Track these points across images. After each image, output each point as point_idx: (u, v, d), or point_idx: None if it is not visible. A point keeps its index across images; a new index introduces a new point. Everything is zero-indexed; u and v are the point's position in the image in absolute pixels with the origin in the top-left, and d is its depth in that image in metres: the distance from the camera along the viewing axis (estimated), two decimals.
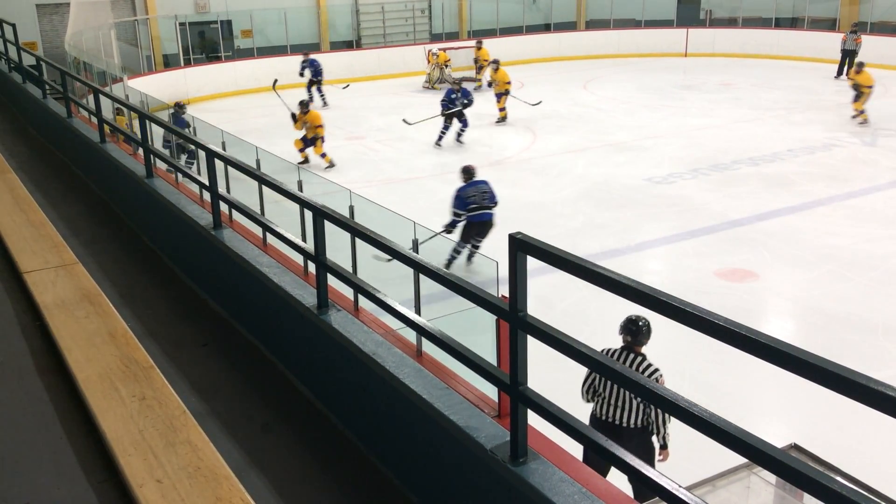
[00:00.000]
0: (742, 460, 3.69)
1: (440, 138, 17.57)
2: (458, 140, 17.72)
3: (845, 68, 23.61)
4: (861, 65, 18.65)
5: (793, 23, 29.24)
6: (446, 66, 25.19)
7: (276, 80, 18.79)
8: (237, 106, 22.65)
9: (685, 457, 6.07)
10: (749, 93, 22.73)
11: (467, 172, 10.57)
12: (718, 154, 16.24)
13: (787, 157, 15.90)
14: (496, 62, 20.56)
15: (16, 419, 3.75)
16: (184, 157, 12.69)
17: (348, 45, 29.15)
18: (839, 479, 1.80)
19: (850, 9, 27.80)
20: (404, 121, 18.72)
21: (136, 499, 2.96)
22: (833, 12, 28.24)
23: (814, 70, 25.88)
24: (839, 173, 14.79)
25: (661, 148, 17.03)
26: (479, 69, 24.82)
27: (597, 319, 8.93)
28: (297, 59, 26.99)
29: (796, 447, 5.11)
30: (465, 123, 17.72)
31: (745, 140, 17.35)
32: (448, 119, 17.58)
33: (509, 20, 31.45)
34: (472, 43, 27.82)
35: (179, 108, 14.94)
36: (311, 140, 16.16)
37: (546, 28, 31.84)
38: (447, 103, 17.53)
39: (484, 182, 10.51)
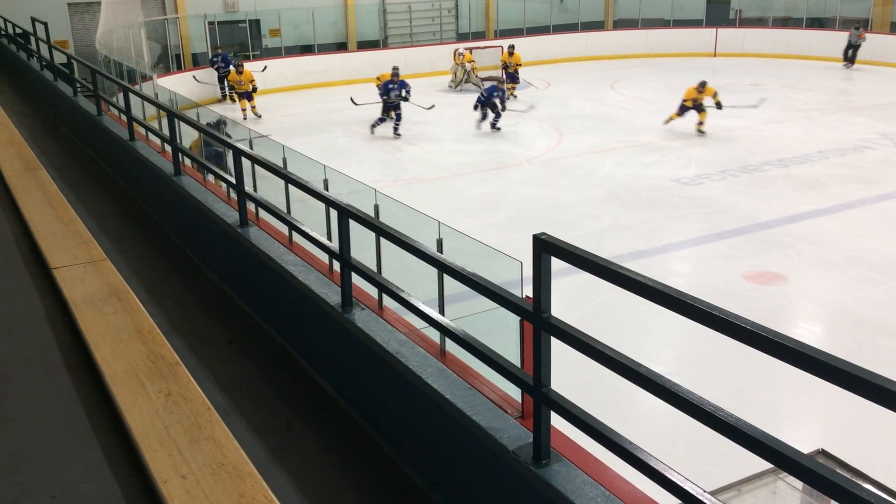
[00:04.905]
0: (768, 465, 3.65)
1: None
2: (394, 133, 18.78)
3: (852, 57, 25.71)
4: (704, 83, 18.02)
5: (824, 23, 28.87)
6: (472, 67, 25.04)
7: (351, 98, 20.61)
8: (264, 105, 22.76)
9: (710, 461, 6.03)
10: (779, 93, 22.49)
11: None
12: (747, 155, 16.09)
13: (818, 159, 15.72)
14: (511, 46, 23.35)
15: (43, 413, 3.79)
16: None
17: (375, 45, 29.23)
18: (867, 485, 1.77)
19: (883, 9, 27.39)
20: (351, 100, 20.27)
21: (161, 494, 2.98)
22: (865, 12, 27.85)
23: (845, 71, 25.55)
24: (870, 175, 14.59)
25: (689, 149, 16.90)
26: (512, 76, 23.53)
27: (622, 321, 8.88)
28: (324, 58, 27.11)
29: (823, 453, 5.06)
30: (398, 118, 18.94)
31: (774, 141, 17.17)
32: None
33: (536, 20, 31.35)
34: (499, 42, 27.74)
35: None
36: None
37: (573, 27, 31.69)
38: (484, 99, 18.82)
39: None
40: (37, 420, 3.74)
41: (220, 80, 23.79)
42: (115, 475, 3.30)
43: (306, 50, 27.80)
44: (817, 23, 28.86)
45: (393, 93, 18.43)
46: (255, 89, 21.41)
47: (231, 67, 22.74)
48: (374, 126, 18.84)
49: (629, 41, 30.59)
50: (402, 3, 29.50)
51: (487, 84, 25.08)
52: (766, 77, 24.97)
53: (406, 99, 18.73)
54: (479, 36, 30.43)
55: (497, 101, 18.68)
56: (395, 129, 18.71)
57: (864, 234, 11.62)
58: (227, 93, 23.69)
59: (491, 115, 18.77)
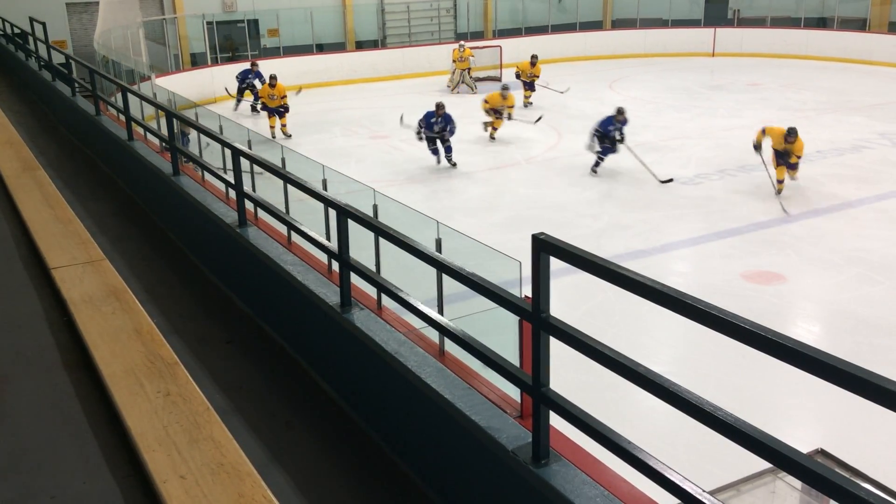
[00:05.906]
0: (767, 465, 3.66)
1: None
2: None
3: None
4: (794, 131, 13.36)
5: (822, 23, 28.89)
6: (469, 70, 24.88)
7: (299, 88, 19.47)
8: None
9: (709, 460, 6.03)
10: (777, 93, 22.50)
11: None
12: (746, 155, 16.04)
13: (816, 159, 15.72)
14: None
15: (42, 414, 3.79)
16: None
17: (373, 45, 29.24)
18: (866, 485, 1.78)
19: (881, 9, 27.42)
20: (401, 118, 17.69)
21: (160, 494, 2.98)
22: (863, 12, 27.87)
23: (843, 71, 25.56)
24: (868, 175, 14.60)
25: (688, 148, 16.91)
26: (528, 85, 22.34)
27: (621, 321, 8.88)
28: (322, 58, 26.95)
29: (822, 452, 5.06)
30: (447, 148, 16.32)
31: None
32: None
33: (535, 19, 31.36)
34: (497, 42, 27.71)
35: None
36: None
37: (572, 27, 31.70)
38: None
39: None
40: (36, 420, 3.74)
41: (241, 92, 21.92)
42: (114, 475, 3.30)
43: (304, 50, 27.79)
44: (820, 23, 28.87)
45: (436, 126, 15.89)
46: (286, 108, 19.11)
47: (259, 84, 20.63)
48: (449, 161, 16.29)
49: (627, 41, 30.60)
50: (401, 3, 29.50)
51: (482, 84, 25.10)
52: (765, 77, 24.98)
53: (447, 139, 16.09)
54: (478, 36, 30.41)
55: (616, 135, 15.53)
56: (448, 158, 16.20)
57: (863, 234, 11.63)
58: (254, 104, 21.46)
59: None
